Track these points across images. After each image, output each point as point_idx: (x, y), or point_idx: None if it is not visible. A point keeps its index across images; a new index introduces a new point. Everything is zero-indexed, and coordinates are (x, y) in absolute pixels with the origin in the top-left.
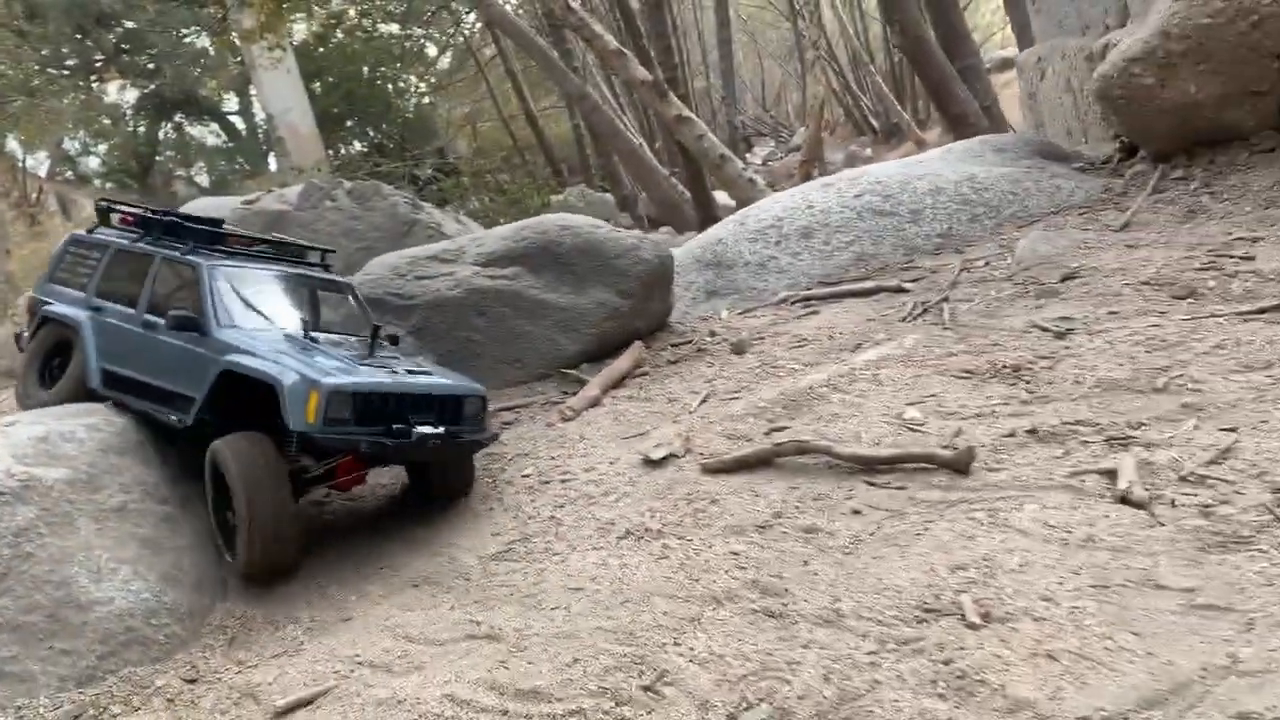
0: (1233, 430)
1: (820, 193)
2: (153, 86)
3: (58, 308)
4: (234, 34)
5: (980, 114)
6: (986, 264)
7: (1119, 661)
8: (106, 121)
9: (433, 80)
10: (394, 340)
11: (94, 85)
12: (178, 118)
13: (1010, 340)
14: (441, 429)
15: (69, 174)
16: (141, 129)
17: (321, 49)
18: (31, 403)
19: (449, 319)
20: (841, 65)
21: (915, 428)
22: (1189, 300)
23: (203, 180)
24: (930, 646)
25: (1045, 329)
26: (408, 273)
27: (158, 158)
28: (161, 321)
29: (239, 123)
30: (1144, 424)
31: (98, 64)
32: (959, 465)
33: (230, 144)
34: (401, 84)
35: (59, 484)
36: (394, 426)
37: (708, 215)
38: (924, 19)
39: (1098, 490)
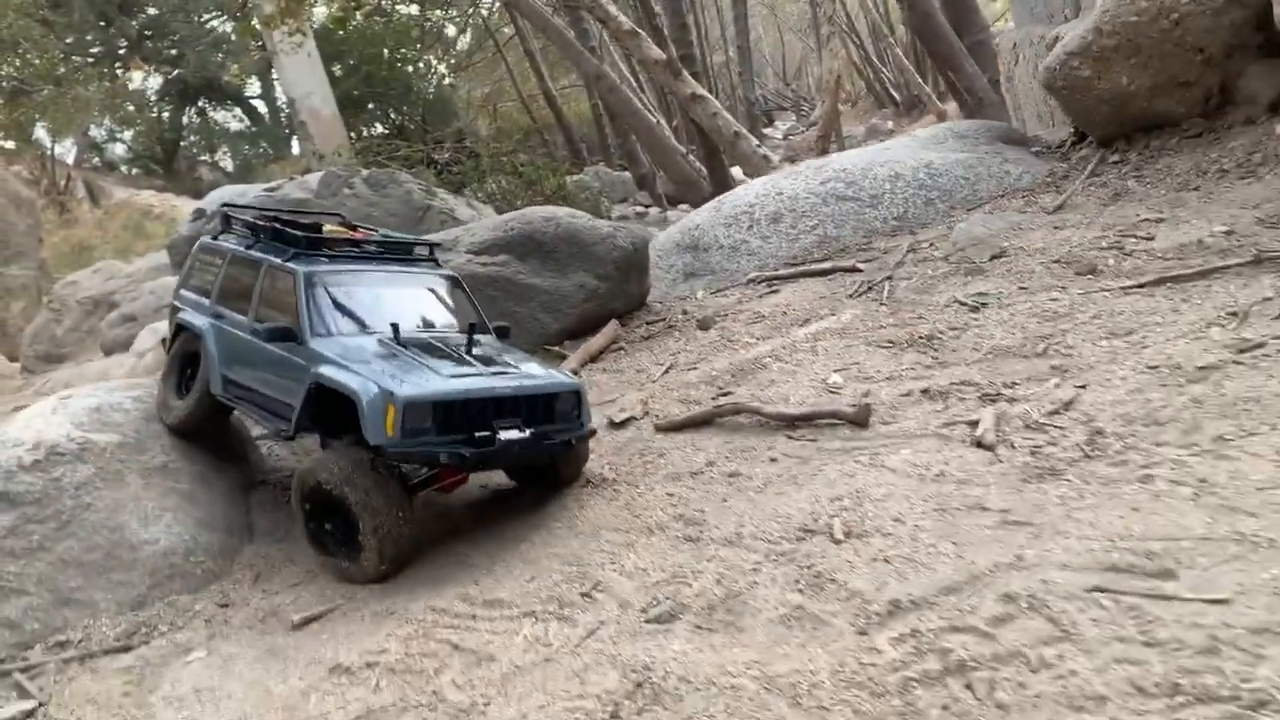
0: (1082, 387)
1: (789, 180)
2: (176, 73)
3: (187, 315)
4: (255, 19)
5: (989, 89)
6: (931, 245)
7: (935, 563)
8: (131, 108)
9: (452, 61)
10: (503, 332)
11: (119, 72)
12: (201, 103)
13: (932, 314)
14: (528, 432)
15: (96, 161)
16: (166, 115)
17: (341, 32)
18: (169, 415)
19: None
20: (862, 38)
21: (835, 390)
22: (1089, 276)
23: (227, 165)
24: (800, 556)
25: (963, 303)
26: None
27: (182, 143)
28: (262, 329)
29: (261, 107)
30: (1016, 383)
31: (122, 51)
32: (859, 420)
33: (253, 128)
34: (421, 66)
35: (111, 446)
36: (476, 434)
37: (724, 192)
38: None
39: (960, 437)
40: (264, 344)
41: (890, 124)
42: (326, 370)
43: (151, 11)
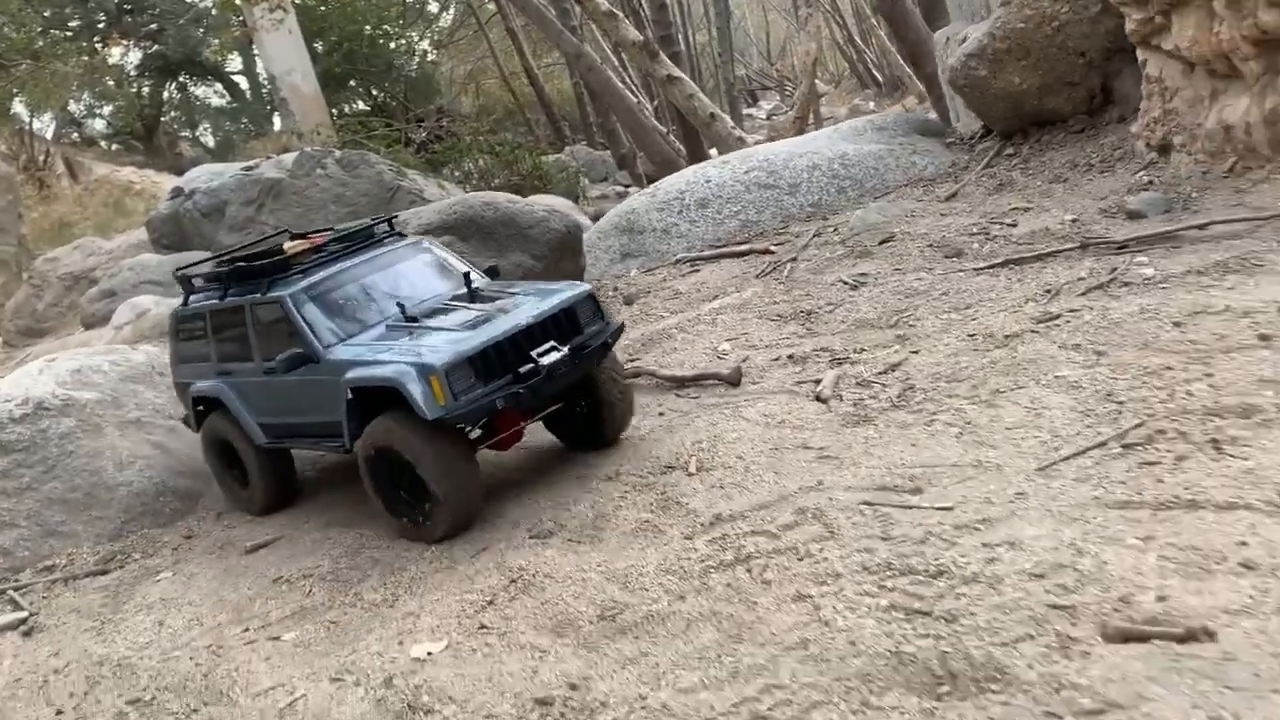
0: (915, 352)
1: (717, 169)
2: (156, 48)
3: (198, 385)
4: None
5: None
6: (835, 230)
7: (757, 487)
8: (111, 83)
9: (435, 38)
10: (493, 273)
11: (98, 47)
12: (182, 78)
13: (818, 291)
14: (565, 349)
15: (75, 136)
16: (146, 90)
17: (323, 8)
18: (250, 506)
19: None
20: (845, 18)
21: (722, 356)
22: (954, 259)
23: (208, 141)
24: (659, 486)
25: (846, 282)
26: None
27: (162, 119)
28: (275, 365)
29: (243, 83)
30: (864, 349)
31: (101, 25)
32: (733, 380)
33: (234, 104)
34: (403, 43)
35: (90, 402)
36: (520, 370)
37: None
38: None
39: (806, 393)
40: (284, 377)
41: (872, 105)
42: (356, 374)
43: None
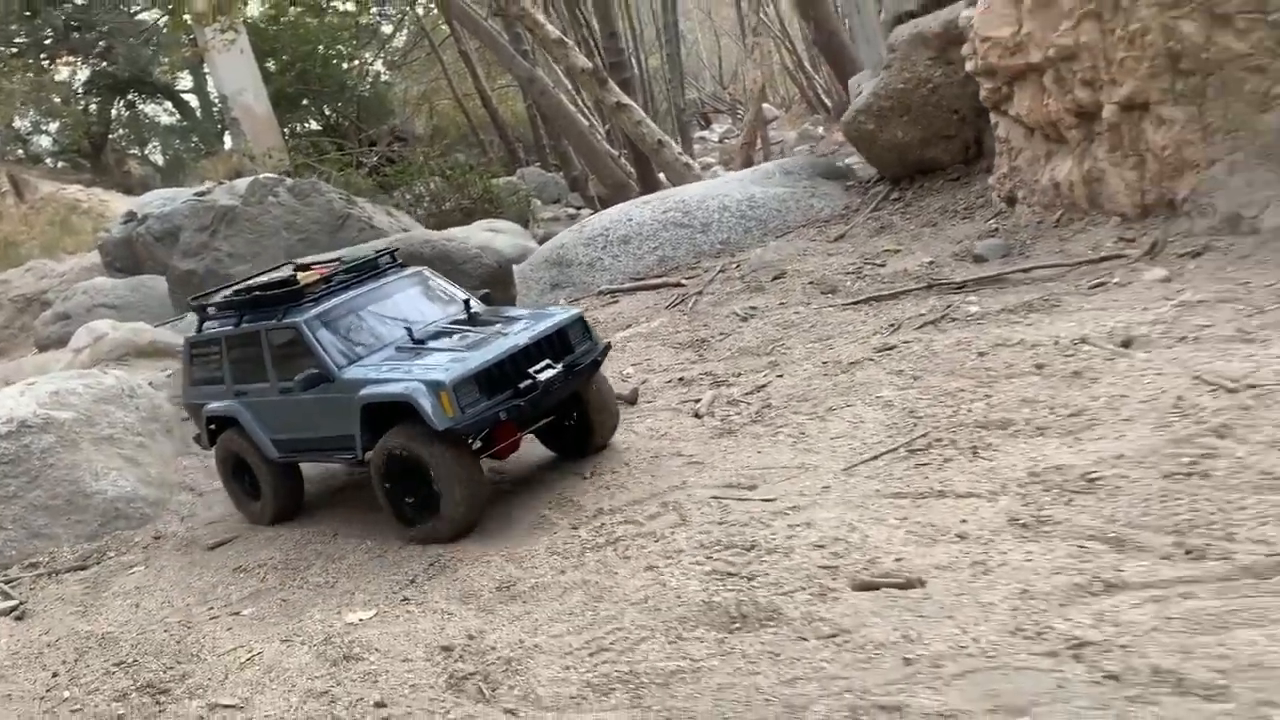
0: (779, 376)
1: (638, 209)
2: (104, 65)
3: (212, 406)
4: (186, 14)
5: None
6: (737, 266)
7: (635, 486)
8: (57, 100)
9: (389, 58)
10: (488, 299)
11: (45, 64)
12: (131, 96)
13: (715, 322)
14: (560, 366)
15: (20, 153)
16: (94, 108)
17: (275, 27)
18: (261, 517)
19: None
20: (795, 44)
21: (626, 379)
22: (829, 295)
23: (157, 159)
24: (558, 488)
25: (738, 315)
26: None
27: (111, 136)
28: (292, 384)
29: (193, 101)
30: (741, 374)
31: (48, 42)
32: (631, 400)
33: (184, 123)
34: (356, 63)
35: (68, 420)
36: (519, 386)
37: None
38: (839, 15)
39: (687, 410)
40: (299, 397)
41: (821, 130)
42: (370, 390)
43: (79, 1)
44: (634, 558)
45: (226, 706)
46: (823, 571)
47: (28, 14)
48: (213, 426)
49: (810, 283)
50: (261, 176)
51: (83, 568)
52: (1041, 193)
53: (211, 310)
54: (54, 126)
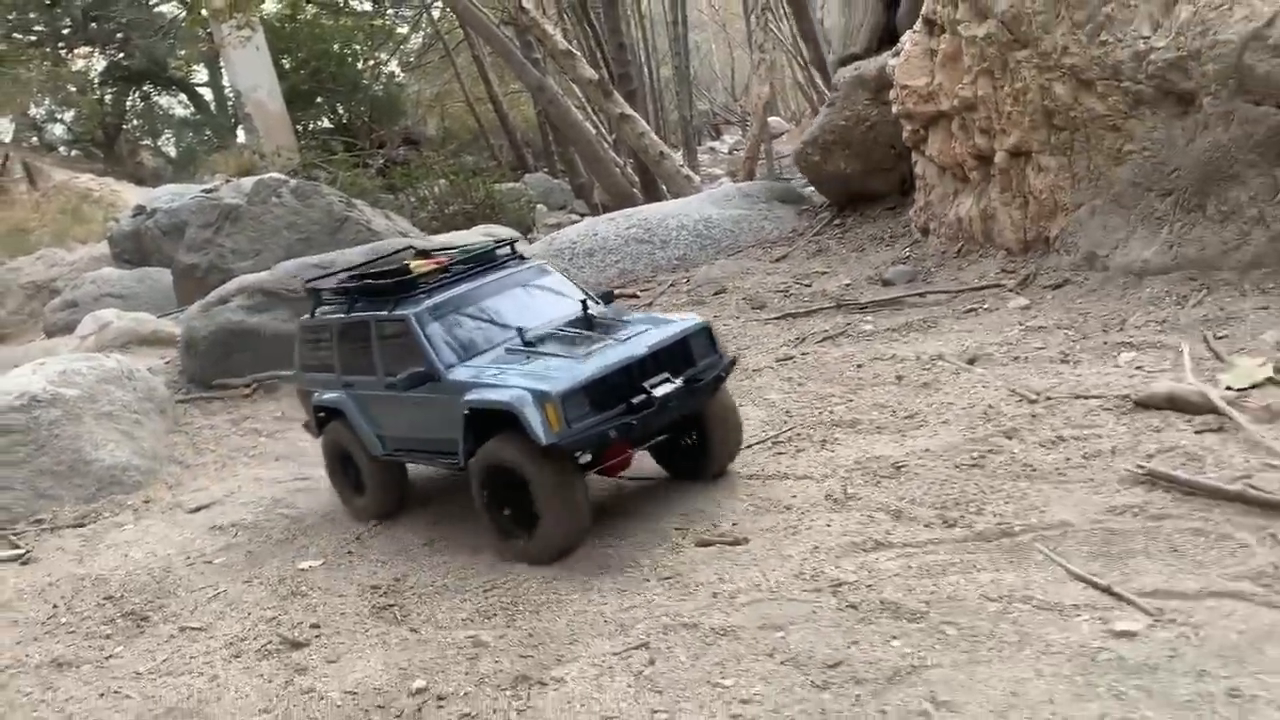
0: None
1: (604, 225)
2: (121, 56)
3: (322, 395)
4: (203, 10)
5: None
6: (687, 281)
7: None
8: (73, 90)
9: (404, 59)
10: (608, 298)
11: (61, 53)
12: (146, 87)
13: None
14: (679, 381)
15: (34, 140)
16: (109, 98)
17: (291, 25)
18: (367, 511)
19: None
20: (805, 57)
21: None
22: (758, 310)
23: (170, 151)
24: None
25: None
26: (299, 274)
27: (124, 127)
28: (397, 381)
29: (207, 94)
30: None
31: (65, 32)
32: None
33: (198, 116)
34: (370, 63)
35: (73, 397)
36: (633, 401)
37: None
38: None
39: None
40: (407, 393)
41: None
42: (475, 395)
43: None
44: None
45: (194, 629)
46: (676, 532)
47: (47, 3)
48: (321, 415)
49: (744, 298)
50: (266, 177)
51: (81, 525)
52: (949, 226)
53: (326, 295)
54: (69, 115)
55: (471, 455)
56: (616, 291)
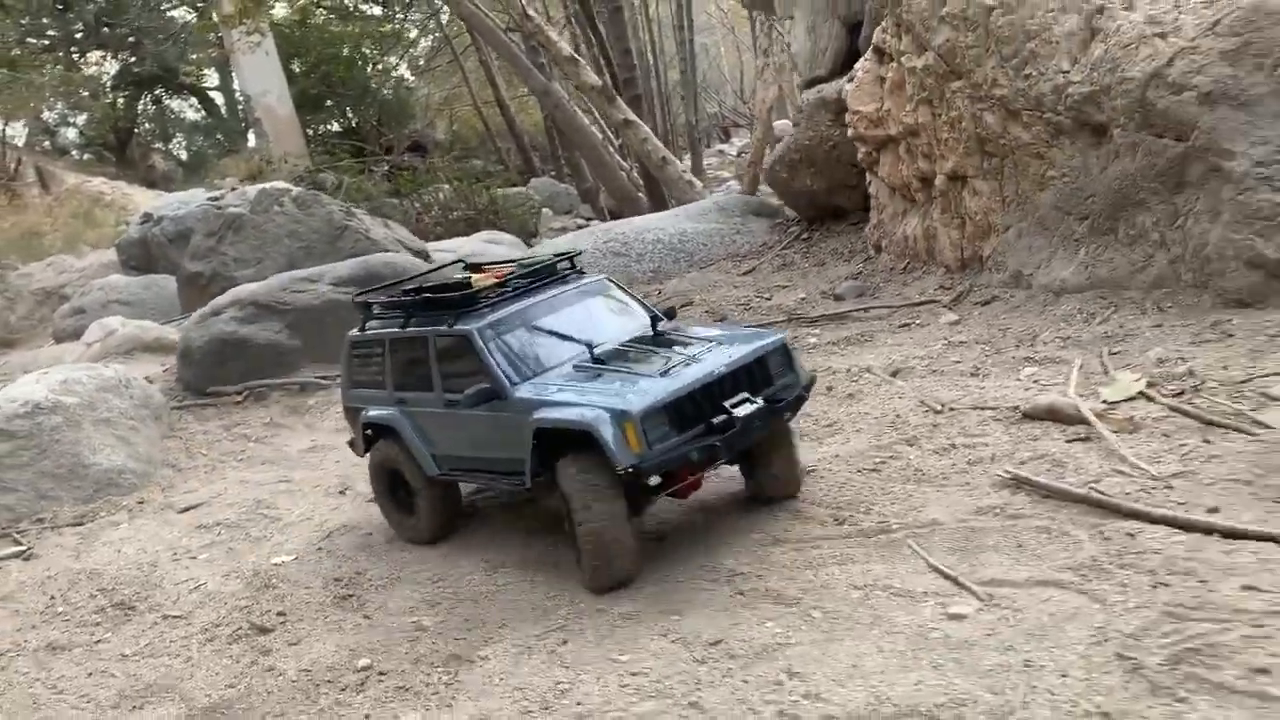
0: None
1: (584, 239)
2: (133, 60)
3: (371, 412)
4: (214, 15)
5: None
6: (659, 292)
7: None
8: (85, 94)
9: (415, 64)
10: (670, 314)
11: (74, 58)
12: (157, 91)
13: None
14: (760, 400)
15: (47, 144)
16: (121, 102)
17: (300, 31)
18: (416, 534)
19: (312, 318)
20: None
21: None
22: (720, 319)
23: (182, 155)
24: None
25: None
26: (289, 286)
27: (136, 131)
28: (459, 398)
29: (219, 98)
30: None
31: (78, 36)
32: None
33: (209, 120)
34: (380, 66)
35: (73, 404)
36: (714, 421)
37: (662, 209)
38: None
39: None
40: (466, 412)
41: None
42: (545, 414)
43: None
44: (484, 514)
45: (175, 616)
46: None
47: (60, 8)
48: (369, 433)
49: (708, 310)
50: (268, 186)
51: (79, 524)
52: (897, 243)
53: (376, 309)
54: (81, 119)
55: (538, 475)
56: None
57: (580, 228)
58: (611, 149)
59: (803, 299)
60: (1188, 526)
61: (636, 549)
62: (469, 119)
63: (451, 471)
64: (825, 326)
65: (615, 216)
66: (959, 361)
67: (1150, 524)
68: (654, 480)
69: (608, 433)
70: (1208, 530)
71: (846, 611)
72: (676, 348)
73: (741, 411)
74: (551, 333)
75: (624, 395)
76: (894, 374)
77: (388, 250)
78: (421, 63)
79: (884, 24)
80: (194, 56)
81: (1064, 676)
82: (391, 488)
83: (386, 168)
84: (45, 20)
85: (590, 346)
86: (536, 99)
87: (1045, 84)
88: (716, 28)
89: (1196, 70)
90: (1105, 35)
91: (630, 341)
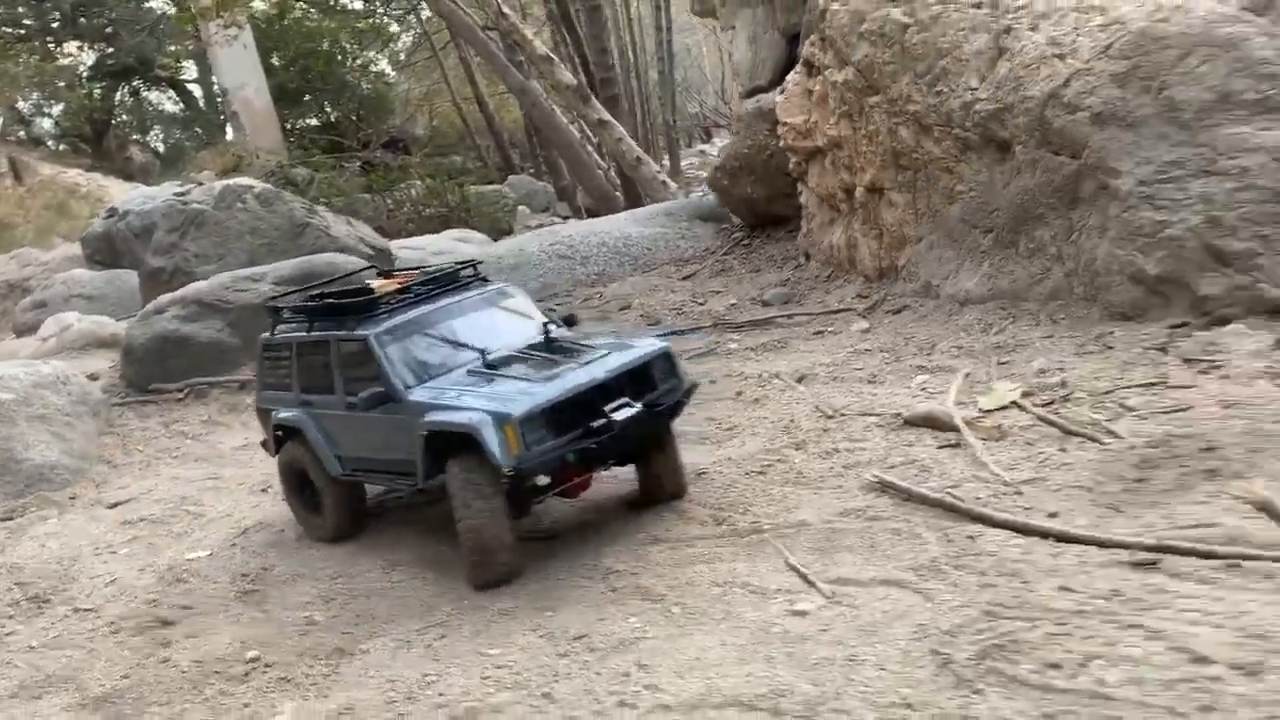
0: None
1: (530, 241)
2: (110, 51)
3: (281, 413)
4: (192, 7)
5: None
6: (600, 296)
7: None
8: (61, 84)
9: (396, 58)
10: (570, 321)
11: (50, 48)
12: (135, 83)
13: None
14: (639, 406)
15: (21, 134)
16: (97, 93)
17: (280, 25)
18: (322, 531)
19: (253, 317)
20: None
21: None
22: (652, 326)
23: (159, 147)
24: None
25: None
26: (231, 285)
27: (113, 122)
28: (357, 400)
29: (197, 91)
30: None
31: (54, 26)
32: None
33: (187, 112)
34: (359, 61)
35: (7, 400)
36: (592, 425)
37: (637, 207)
38: None
39: None
40: (364, 414)
41: None
42: (434, 416)
43: None
44: (391, 515)
45: (86, 609)
46: None
47: None
48: (279, 433)
49: (643, 314)
50: (231, 182)
51: (8, 519)
52: (824, 252)
53: (285, 313)
54: (57, 109)
55: (430, 476)
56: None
57: (555, 225)
58: (589, 148)
59: (733, 304)
60: (1025, 530)
61: (515, 546)
62: (449, 115)
63: (354, 472)
64: (748, 332)
65: (593, 215)
66: (860, 369)
67: (993, 528)
68: (541, 480)
69: (489, 435)
70: (1043, 534)
71: (703, 607)
72: (565, 354)
73: (619, 416)
74: (448, 339)
75: (507, 400)
76: (799, 380)
77: (347, 248)
78: (402, 57)
79: (812, 38)
80: (171, 48)
81: (881, 670)
82: (300, 487)
83: (358, 164)
84: (21, 10)
85: (484, 353)
86: (514, 96)
87: (955, 101)
88: (698, 28)
89: (1089, 91)
90: (1011, 55)
91: (524, 348)
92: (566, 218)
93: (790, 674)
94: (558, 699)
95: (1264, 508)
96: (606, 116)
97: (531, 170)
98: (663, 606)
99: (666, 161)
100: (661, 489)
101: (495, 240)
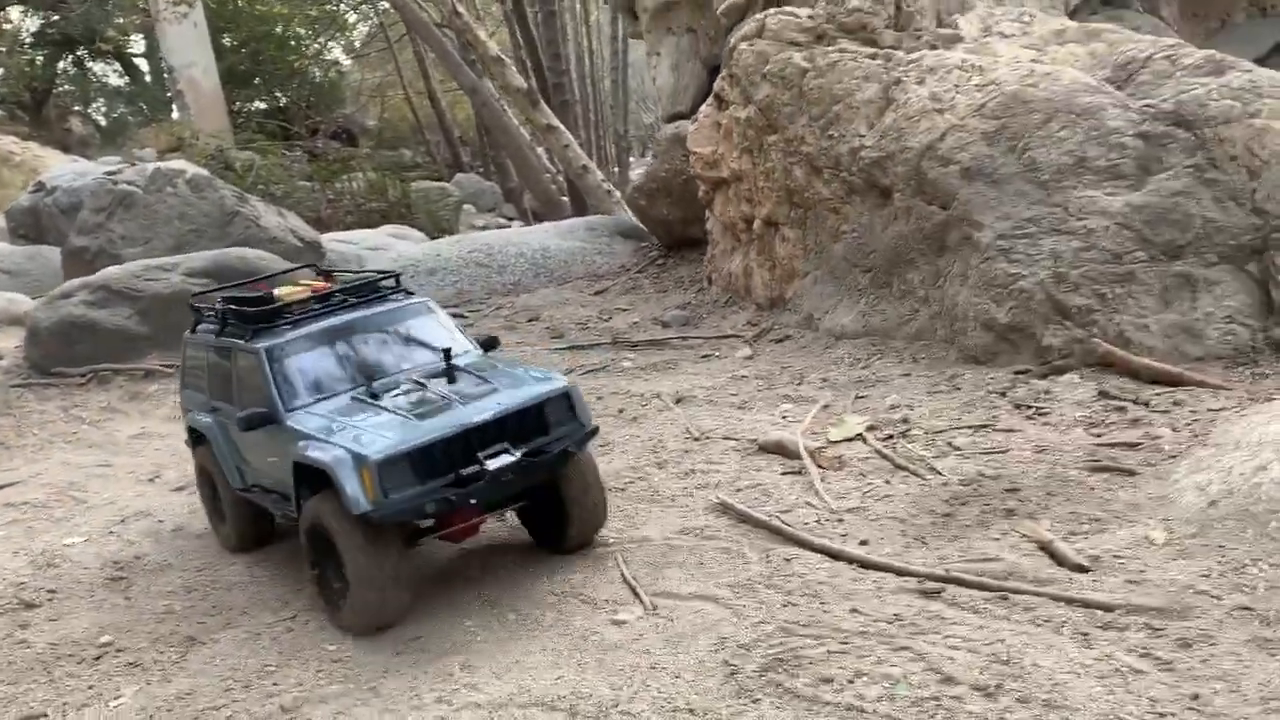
0: None
1: (448, 246)
2: (55, 18)
3: (193, 415)
4: None
5: None
6: (511, 306)
7: None
8: (2, 50)
9: (351, 48)
10: (491, 344)
11: None
12: (80, 53)
13: None
14: (518, 454)
15: None
16: (39, 60)
17: (233, 5)
18: (228, 540)
19: (162, 306)
20: None
21: None
22: (556, 339)
23: (100, 120)
24: None
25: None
26: (141, 274)
27: (54, 92)
28: (239, 417)
29: (144, 65)
30: None
31: None
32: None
33: (132, 87)
34: (313, 47)
35: None
36: (463, 472)
37: (584, 214)
38: None
39: None
40: (248, 432)
41: None
42: (301, 446)
43: None
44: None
45: None
46: None
47: None
48: (196, 435)
49: (548, 328)
50: (163, 165)
51: None
52: (724, 278)
53: (205, 313)
54: None
55: (300, 508)
56: (451, 312)
57: (501, 227)
58: (538, 151)
59: (635, 323)
60: (836, 555)
61: (404, 591)
62: (400, 108)
63: (251, 488)
64: (643, 351)
65: (539, 218)
66: (735, 394)
67: (809, 551)
68: (424, 523)
69: (346, 477)
70: (850, 560)
71: (537, 615)
72: (455, 387)
73: (494, 464)
74: (345, 357)
75: (371, 439)
76: (677, 401)
77: (276, 240)
78: (357, 45)
79: (723, 73)
80: (119, 20)
81: (677, 678)
82: (211, 494)
83: (300, 152)
84: None
85: (370, 380)
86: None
87: (844, 145)
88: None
89: (961, 147)
90: (897, 105)
91: (418, 376)
92: (512, 219)
93: (595, 678)
94: (383, 693)
95: (1044, 547)
96: (554, 122)
97: (481, 169)
98: (498, 613)
99: (616, 171)
100: (568, 535)
101: (433, 239)
